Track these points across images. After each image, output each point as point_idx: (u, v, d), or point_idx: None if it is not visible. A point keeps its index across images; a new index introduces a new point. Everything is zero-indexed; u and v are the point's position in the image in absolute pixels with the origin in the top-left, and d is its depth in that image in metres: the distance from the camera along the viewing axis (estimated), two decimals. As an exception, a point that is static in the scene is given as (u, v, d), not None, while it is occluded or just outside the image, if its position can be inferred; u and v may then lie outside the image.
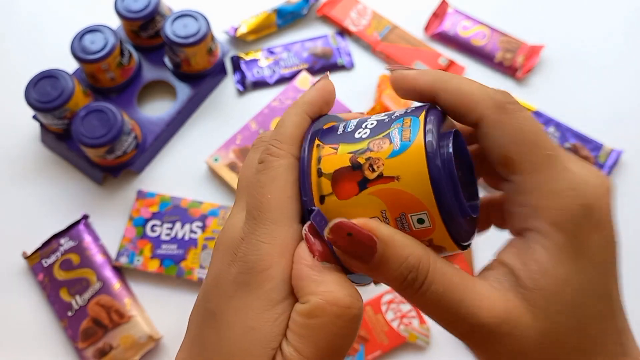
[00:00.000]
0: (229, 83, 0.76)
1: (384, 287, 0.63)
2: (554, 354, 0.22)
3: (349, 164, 0.24)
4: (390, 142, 0.23)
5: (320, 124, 0.27)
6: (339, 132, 0.26)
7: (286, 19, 0.78)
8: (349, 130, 0.25)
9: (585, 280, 0.21)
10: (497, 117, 0.22)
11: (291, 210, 0.24)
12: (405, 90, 0.25)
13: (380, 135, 0.24)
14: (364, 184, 0.23)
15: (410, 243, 0.22)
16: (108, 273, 0.63)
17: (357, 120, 0.26)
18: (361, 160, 0.24)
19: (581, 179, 0.22)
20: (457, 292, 0.22)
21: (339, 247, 0.23)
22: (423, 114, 0.24)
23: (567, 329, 0.21)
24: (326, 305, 0.22)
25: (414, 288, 0.22)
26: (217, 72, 0.73)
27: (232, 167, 0.68)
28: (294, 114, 0.26)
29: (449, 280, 0.22)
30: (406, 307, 0.62)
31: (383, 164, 0.23)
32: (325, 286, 0.22)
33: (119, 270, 0.64)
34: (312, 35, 0.78)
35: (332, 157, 0.24)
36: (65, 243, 0.64)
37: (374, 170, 0.23)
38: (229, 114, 0.73)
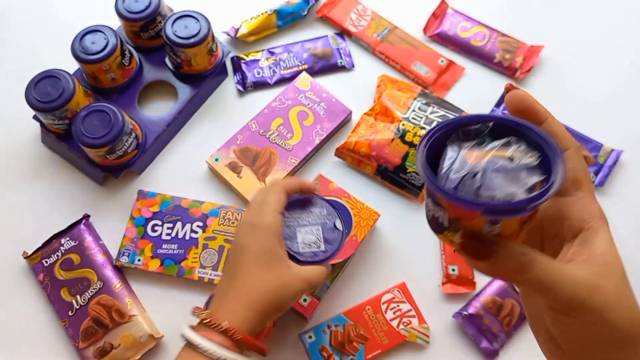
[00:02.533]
0: (230, 83, 0.76)
1: (383, 287, 0.64)
2: (628, 303, 0.30)
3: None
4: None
5: None
6: None
7: (286, 20, 0.78)
8: None
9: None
10: (575, 153, 0.32)
11: None
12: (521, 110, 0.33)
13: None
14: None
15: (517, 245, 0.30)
16: (109, 273, 0.63)
17: None
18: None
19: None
20: (556, 268, 0.29)
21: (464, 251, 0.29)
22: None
23: (623, 287, 0.30)
24: None
25: (527, 268, 0.28)
26: (218, 72, 0.73)
27: (233, 167, 0.68)
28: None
29: (547, 260, 0.29)
30: (406, 306, 0.62)
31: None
32: None
33: (119, 270, 0.65)
34: (312, 36, 0.78)
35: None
36: (66, 243, 0.64)
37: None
38: (229, 114, 0.74)
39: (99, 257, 0.64)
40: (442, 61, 0.76)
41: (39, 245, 0.65)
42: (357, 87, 0.75)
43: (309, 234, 0.53)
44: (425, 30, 0.79)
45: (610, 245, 0.30)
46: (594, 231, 0.31)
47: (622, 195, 0.69)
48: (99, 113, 0.63)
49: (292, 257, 0.52)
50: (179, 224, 0.65)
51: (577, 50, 0.78)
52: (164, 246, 0.64)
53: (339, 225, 0.53)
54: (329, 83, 0.75)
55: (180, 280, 0.64)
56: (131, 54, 0.71)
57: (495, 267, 0.29)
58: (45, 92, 0.63)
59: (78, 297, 0.62)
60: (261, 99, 0.74)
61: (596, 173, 0.69)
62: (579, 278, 0.29)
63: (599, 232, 0.31)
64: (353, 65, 0.77)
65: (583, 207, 0.31)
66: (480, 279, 0.64)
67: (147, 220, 0.65)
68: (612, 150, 0.70)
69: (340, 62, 0.76)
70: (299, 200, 0.54)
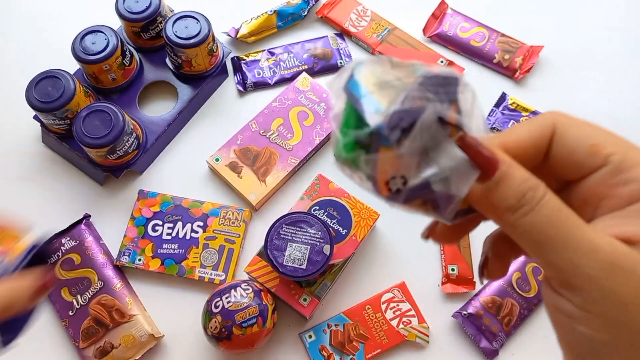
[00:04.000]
0: (230, 84, 0.76)
1: (382, 287, 0.64)
2: None
3: None
4: None
5: None
6: None
7: (286, 20, 0.78)
8: None
9: None
10: (569, 121, 0.24)
11: None
12: None
13: None
14: None
15: (525, 169, 0.23)
16: (109, 272, 0.63)
17: None
18: None
19: None
20: (566, 228, 0.21)
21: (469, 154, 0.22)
22: None
23: None
24: None
25: (530, 206, 0.21)
26: (218, 73, 0.74)
27: (233, 167, 0.68)
28: None
29: (562, 213, 0.21)
30: (406, 306, 0.62)
31: None
32: None
33: (120, 270, 0.65)
34: (312, 37, 0.79)
35: None
36: (67, 243, 0.65)
37: None
38: (229, 115, 0.74)
39: (100, 257, 0.64)
40: (441, 62, 0.76)
41: (40, 245, 0.65)
42: (357, 87, 0.75)
43: (296, 250, 0.56)
44: (424, 30, 0.79)
45: None
46: None
47: (621, 195, 0.70)
48: (99, 113, 0.63)
49: (275, 267, 0.55)
50: (179, 224, 0.65)
51: (577, 50, 0.78)
52: (165, 246, 0.64)
53: (326, 250, 0.56)
54: (329, 83, 0.75)
55: (180, 280, 0.65)
56: (132, 54, 0.71)
57: (490, 194, 0.22)
58: (45, 93, 0.63)
59: (78, 296, 0.62)
60: (261, 99, 0.74)
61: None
62: (605, 242, 0.20)
63: None
64: (353, 66, 0.77)
65: (630, 176, 0.22)
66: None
67: (148, 220, 0.66)
68: (611, 150, 0.70)
69: (340, 63, 0.76)
70: (300, 219, 0.57)
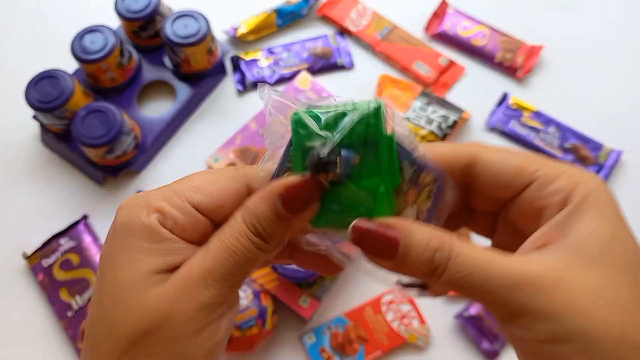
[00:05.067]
0: (229, 83, 0.76)
1: (383, 288, 0.63)
2: (612, 311, 0.21)
3: None
4: None
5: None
6: None
7: (286, 19, 0.78)
8: None
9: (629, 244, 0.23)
10: (489, 150, 0.27)
11: None
12: None
13: None
14: None
15: (426, 227, 0.24)
16: (108, 273, 0.63)
17: None
18: None
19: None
20: (484, 263, 0.22)
21: (364, 249, 0.24)
22: None
23: (622, 283, 0.22)
24: None
25: (442, 267, 0.23)
26: (217, 72, 0.73)
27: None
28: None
29: (474, 253, 0.23)
30: (406, 307, 0.62)
31: None
32: None
33: (119, 271, 0.64)
34: (312, 35, 0.78)
35: None
36: (65, 243, 0.64)
37: None
38: (228, 114, 0.73)
39: (98, 258, 0.64)
40: (442, 60, 0.76)
41: (39, 245, 0.64)
42: (357, 86, 0.75)
43: None
44: (425, 29, 0.78)
45: (606, 223, 0.23)
46: (576, 206, 0.23)
47: (622, 196, 0.69)
48: (98, 113, 0.63)
49: (274, 268, 0.57)
50: (178, 225, 0.65)
51: (577, 50, 0.78)
52: (164, 246, 0.64)
53: None
54: (329, 82, 0.74)
55: (179, 280, 0.64)
56: (130, 53, 0.70)
57: (403, 268, 0.23)
58: (44, 92, 0.63)
59: (77, 297, 0.62)
60: (261, 99, 0.74)
61: (596, 173, 0.69)
62: (519, 273, 0.21)
63: (585, 207, 0.23)
64: (353, 65, 0.76)
65: (555, 189, 0.24)
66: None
67: (147, 220, 0.65)
68: (612, 150, 0.70)
69: (340, 62, 0.76)
70: None
